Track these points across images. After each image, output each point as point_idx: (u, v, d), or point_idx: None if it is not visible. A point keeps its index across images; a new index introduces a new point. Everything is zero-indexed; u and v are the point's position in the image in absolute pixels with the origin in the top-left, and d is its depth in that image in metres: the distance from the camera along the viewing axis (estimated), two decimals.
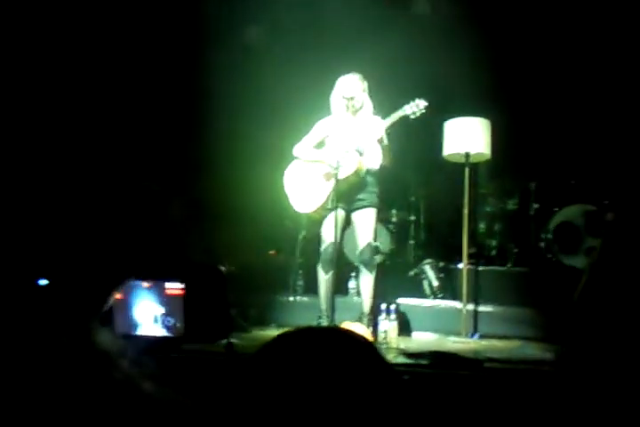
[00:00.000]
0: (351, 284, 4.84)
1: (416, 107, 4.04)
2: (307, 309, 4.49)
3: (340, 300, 4.38)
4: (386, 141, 4.15)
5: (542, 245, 5.06)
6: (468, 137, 4.52)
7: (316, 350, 0.97)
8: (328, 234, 4.12)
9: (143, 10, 5.17)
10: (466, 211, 4.50)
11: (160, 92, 5.38)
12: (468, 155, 4.51)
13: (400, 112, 4.05)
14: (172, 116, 5.43)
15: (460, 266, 4.64)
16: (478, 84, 5.04)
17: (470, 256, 4.62)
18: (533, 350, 3.85)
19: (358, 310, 4.17)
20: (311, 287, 4.50)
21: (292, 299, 4.76)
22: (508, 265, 5.10)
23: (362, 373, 0.97)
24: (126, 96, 5.17)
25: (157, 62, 5.36)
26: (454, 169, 4.70)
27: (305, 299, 4.76)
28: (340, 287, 4.56)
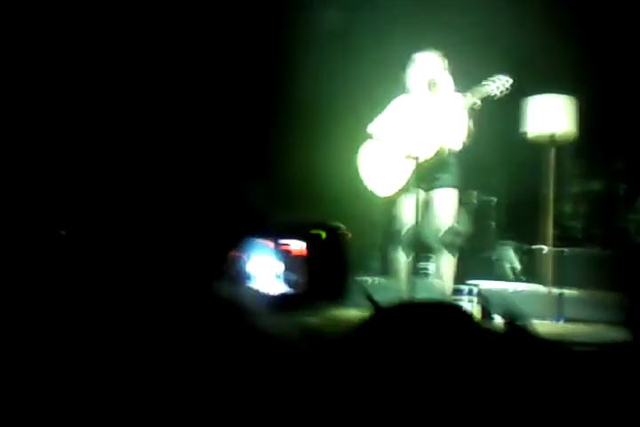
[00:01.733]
0: (430, 266, 4.78)
1: (501, 84, 3.92)
2: (384, 290, 4.47)
3: (418, 282, 4.34)
4: (467, 120, 4.06)
5: (630, 226, 4.88)
6: (553, 116, 4.36)
7: (424, 322, 0.96)
8: (407, 215, 4.07)
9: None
10: (550, 192, 4.37)
11: (240, 79, 5.45)
12: (553, 135, 4.37)
13: (483, 90, 3.94)
14: (253, 104, 5.49)
15: (544, 249, 4.52)
16: (563, 59, 4.86)
17: (554, 238, 4.50)
18: (619, 334, 3.73)
19: (436, 292, 4.11)
20: (388, 269, 4.48)
21: (369, 280, 4.74)
22: (594, 248, 4.94)
23: (467, 342, 0.95)
24: (211, 85, 5.27)
25: (237, 50, 5.42)
26: (537, 148, 4.57)
27: (383, 280, 4.73)
28: (417, 269, 4.51)
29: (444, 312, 1.00)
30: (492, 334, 1.00)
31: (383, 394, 0.92)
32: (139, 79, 5.06)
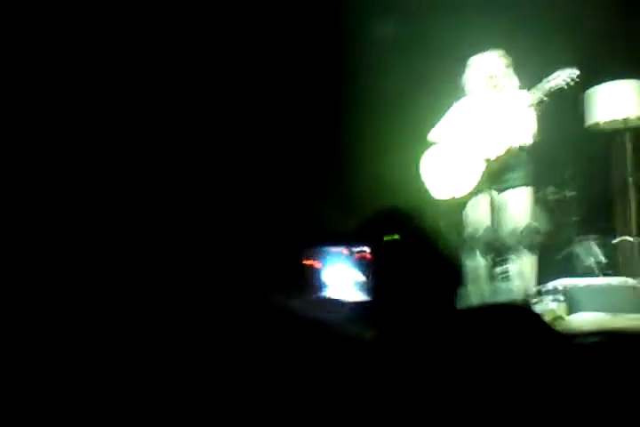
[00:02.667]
0: (509, 267, 4.67)
1: (567, 77, 3.83)
2: (459, 298, 4.38)
3: (498, 286, 4.25)
4: (534, 117, 3.98)
5: None
6: (624, 101, 4.26)
7: (497, 325, 0.95)
8: (480, 218, 4.01)
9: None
10: (630, 180, 4.24)
11: (303, 90, 5.51)
12: (626, 120, 4.25)
13: (549, 86, 3.86)
14: (313, 111, 5.55)
15: (628, 239, 4.36)
16: (628, 45, 4.70)
17: (635, 228, 4.34)
18: None
19: (519, 294, 4.02)
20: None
21: None
22: None
23: (537, 345, 0.93)
24: (278, 97, 5.36)
25: (297, 57, 5.48)
26: (609, 137, 4.44)
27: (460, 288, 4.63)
28: (490, 274, 4.41)
29: (512, 315, 0.99)
30: (562, 336, 0.98)
31: (449, 400, 0.91)
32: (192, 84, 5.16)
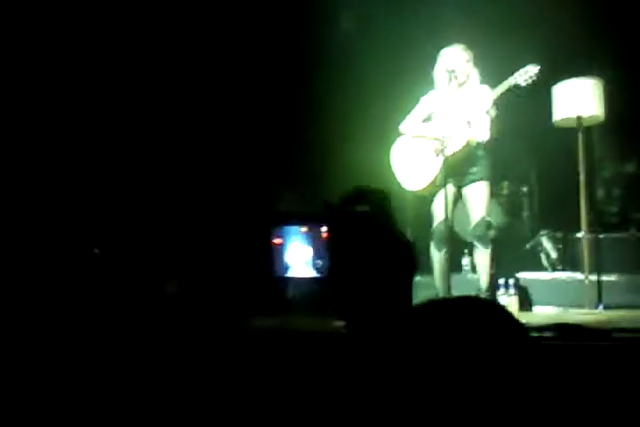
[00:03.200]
0: (465, 261, 4.76)
1: (526, 73, 3.89)
2: (422, 288, 4.44)
3: (455, 277, 4.32)
4: (495, 112, 4.03)
5: None
6: (578, 100, 4.32)
7: (456, 318, 0.96)
8: (439, 211, 4.06)
9: None
10: (582, 177, 4.32)
11: (268, 80, 5.51)
12: (580, 118, 4.32)
13: (510, 80, 3.92)
14: (280, 101, 5.55)
15: (580, 235, 4.46)
16: (590, 42, 4.78)
17: (590, 224, 4.44)
18: None
19: (474, 287, 4.11)
20: (423, 267, 4.45)
21: None
22: (631, 232, 4.86)
23: (501, 337, 0.95)
24: (239, 88, 5.35)
25: (263, 52, 5.48)
26: (566, 134, 4.52)
27: (419, 278, 4.71)
28: (453, 265, 4.48)
29: (476, 308, 1.00)
30: (525, 329, 1.00)
31: (408, 394, 0.92)
32: (165, 83, 5.14)
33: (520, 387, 0.93)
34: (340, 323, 1.36)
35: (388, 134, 4.36)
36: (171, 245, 4.38)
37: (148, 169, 4.98)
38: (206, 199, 5.00)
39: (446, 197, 3.95)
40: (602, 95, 4.35)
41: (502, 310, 1.04)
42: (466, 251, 4.69)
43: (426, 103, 4.22)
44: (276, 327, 2.76)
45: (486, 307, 1.02)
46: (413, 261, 1.42)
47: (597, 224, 4.80)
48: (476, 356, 0.93)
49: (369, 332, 1.26)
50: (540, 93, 4.46)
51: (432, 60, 4.18)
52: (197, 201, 4.96)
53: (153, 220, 4.66)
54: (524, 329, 1.02)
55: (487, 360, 0.92)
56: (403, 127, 4.26)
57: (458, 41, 4.12)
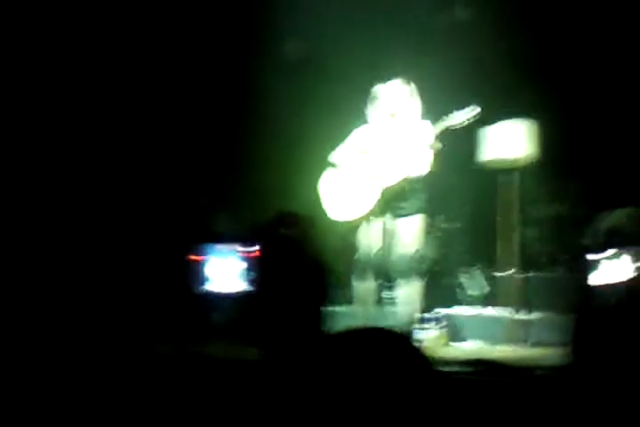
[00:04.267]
0: (388, 293, 4.77)
1: (467, 114, 3.97)
2: (343, 319, 4.42)
3: (377, 309, 4.32)
4: (433, 147, 4.09)
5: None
6: (509, 142, 4.45)
7: (360, 350, 0.96)
8: (365, 241, 4.08)
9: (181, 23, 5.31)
10: (512, 216, 4.43)
11: (205, 105, 5.52)
12: (510, 160, 4.45)
13: (451, 120, 3.98)
14: (214, 125, 5.56)
15: (508, 273, 4.55)
16: (521, 86, 4.95)
17: (518, 262, 4.54)
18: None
19: (395, 319, 4.10)
20: (347, 298, 4.45)
21: (330, 309, 4.70)
22: (558, 271, 4.98)
23: (404, 371, 0.95)
24: (176, 108, 5.34)
25: (202, 77, 5.50)
26: (493, 174, 4.64)
27: (344, 309, 4.70)
28: (377, 297, 4.49)
29: (382, 340, 1.00)
30: (429, 363, 1.00)
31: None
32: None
33: (419, 420, 0.93)
34: (255, 349, 1.35)
35: (322, 162, 4.38)
36: (90, 261, 4.31)
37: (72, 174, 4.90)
38: (130, 216, 4.96)
39: (373, 229, 3.98)
40: (531, 138, 4.50)
41: (408, 343, 1.04)
42: (389, 283, 4.70)
43: (358, 135, 4.26)
44: (191, 352, 2.72)
45: (393, 340, 1.02)
46: (326, 288, 1.41)
47: (526, 263, 4.91)
48: (377, 387, 0.92)
49: (280, 358, 1.25)
50: (474, 132, 4.58)
51: (368, 94, 4.23)
52: (120, 218, 4.91)
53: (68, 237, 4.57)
54: (428, 363, 1.02)
55: (387, 391, 0.92)
56: (333, 157, 4.28)
57: (397, 75, 4.19)
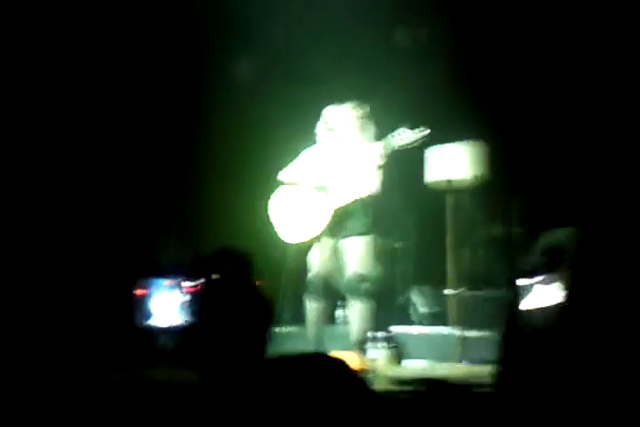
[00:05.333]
0: (340, 313, 4.82)
1: (416, 135, 4.04)
2: (296, 339, 4.45)
3: (328, 329, 4.37)
4: (378, 169, 4.16)
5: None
6: (449, 164, 4.57)
7: (299, 376, 0.99)
8: (315, 262, 4.12)
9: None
10: (450, 236, 4.54)
11: (153, 128, 5.48)
12: (449, 181, 4.56)
13: (399, 140, 4.05)
14: (164, 144, 5.53)
15: (449, 292, 4.65)
16: (462, 108, 5.10)
17: (458, 282, 4.64)
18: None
19: (347, 339, 4.15)
20: (300, 318, 4.48)
21: (280, 329, 4.73)
22: (495, 290, 5.10)
23: (344, 398, 0.98)
24: (124, 134, 5.28)
25: (151, 98, 5.46)
26: (440, 194, 4.75)
27: (294, 329, 4.72)
28: (329, 317, 4.54)
29: (317, 365, 1.04)
30: (365, 386, 1.04)
31: None
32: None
33: None
34: (195, 374, 1.37)
35: (269, 186, 4.42)
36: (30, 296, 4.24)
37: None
38: (71, 250, 4.87)
39: (323, 249, 4.02)
40: (472, 160, 4.63)
41: (344, 367, 1.07)
42: (340, 303, 4.76)
43: (306, 156, 4.32)
44: (132, 379, 2.69)
45: (328, 364, 1.06)
46: (269, 317, 1.45)
47: (465, 282, 5.02)
48: (312, 412, 0.95)
49: (221, 384, 1.27)
50: (417, 153, 4.69)
51: (317, 116, 4.30)
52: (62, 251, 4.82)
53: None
54: (364, 386, 1.05)
55: (322, 417, 0.95)
56: (281, 174, 4.32)
57: (347, 98, 4.26)
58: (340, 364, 1.07)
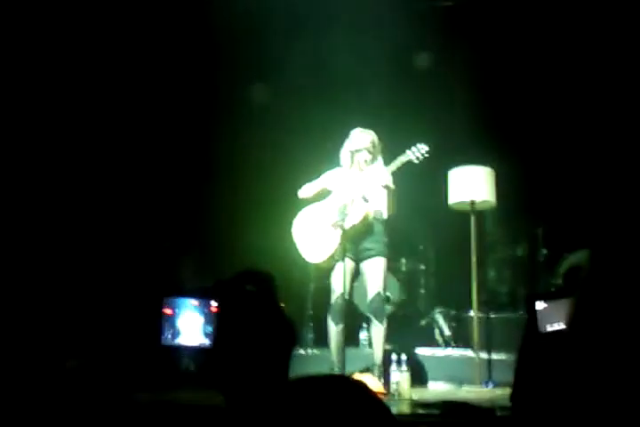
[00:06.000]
0: (362, 335, 4.83)
1: (418, 151, 4.12)
2: (318, 361, 4.47)
3: (351, 351, 4.36)
4: (391, 188, 4.20)
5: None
6: (472, 185, 4.59)
7: (320, 398, 1.01)
8: (337, 284, 4.13)
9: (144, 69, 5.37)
10: (474, 258, 4.53)
11: (174, 150, 5.56)
12: (473, 202, 4.58)
13: (403, 157, 4.13)
14: (183, 171, 5.59)
15: (471, 314, 4.63)
16: (483, 133, 5.14)
17: (481, 304, 4.62)
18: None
19: (370, 361, 4.15)
20: (322, 340, 4.49)
21: (302, 352, 4.74)
22: (520, 312, 5.08)
23: (364, 421, 1.00)
24: (142, 155, 5.36)
25: (169, 121, 5.54)
26: (461, 217, 4.76)
27: (316, 351, 4.73)
28: (351, 339, 4.54)
29: (339, 388, 1.06)
30: (387, 410, 1.05)
31: None
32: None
33: None
34: (219, 395, 1.39)
35: (293, 209, 4.46)
36: (65, 319, 4.30)
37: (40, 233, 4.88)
38: (103, 270, 4.94)
39: (344, 271, 4.04)
40: (494, 182, 4.65)
41: (365, 391, 1.09)
42: (364, 325, 4.77)
43: (327, 177, 4.37)
44: (160, 401, 2.73)
45: (350, 387, 1.07)
46: (293, 338, 1.47)
47: (488, 304, 5.01)
48: None
49: (244, 406, 1.29)
50: (438, 176, 4.72)
51: (342, 140, 4.36)
52: (93, 272, 4.89)
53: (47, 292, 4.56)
54: (384, 409, 1.07)
55: None
56: (301, 192, 4.38)
57: (363, 124, 4.33)
58: (362, 386, 1.09)
